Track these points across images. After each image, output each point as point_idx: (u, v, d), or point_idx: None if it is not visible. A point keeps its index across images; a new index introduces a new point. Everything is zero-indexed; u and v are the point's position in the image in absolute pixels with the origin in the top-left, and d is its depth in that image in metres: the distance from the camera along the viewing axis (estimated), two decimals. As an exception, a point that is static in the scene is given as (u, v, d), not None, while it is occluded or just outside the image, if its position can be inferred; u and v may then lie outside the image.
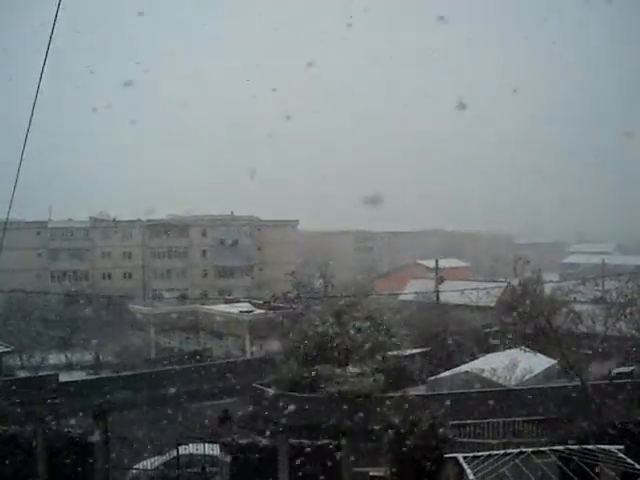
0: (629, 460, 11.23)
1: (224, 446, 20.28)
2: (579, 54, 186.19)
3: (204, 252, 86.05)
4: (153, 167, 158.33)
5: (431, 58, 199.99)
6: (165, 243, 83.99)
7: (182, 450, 21.58)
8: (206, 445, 21.35)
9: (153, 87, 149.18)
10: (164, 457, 22.20)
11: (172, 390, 35.77)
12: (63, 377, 39.04)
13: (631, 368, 26.84)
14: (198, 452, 21.50)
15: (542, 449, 12.51)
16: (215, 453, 20.84)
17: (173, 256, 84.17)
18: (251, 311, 51.14)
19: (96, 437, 21.45)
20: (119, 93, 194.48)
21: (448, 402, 24.93)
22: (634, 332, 26.00)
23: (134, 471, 22.30)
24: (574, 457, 11.61)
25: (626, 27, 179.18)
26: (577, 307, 29.82)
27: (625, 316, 26.17)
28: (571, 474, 11.53)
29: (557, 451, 12.23)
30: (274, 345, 35.31)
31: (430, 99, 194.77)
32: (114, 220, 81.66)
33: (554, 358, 29.16)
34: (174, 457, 21.61)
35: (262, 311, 49.68)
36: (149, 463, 22.19)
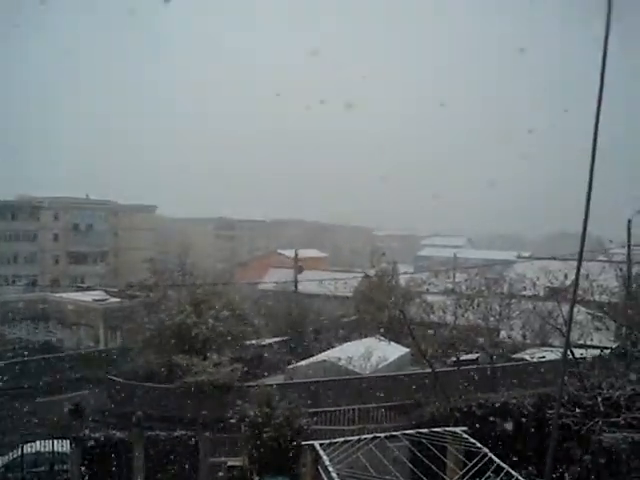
0: (472, 440, 11.92)
1: (75, 441, 19.43)
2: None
3: (56, 236, 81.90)
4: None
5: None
6: (12, 226, 78.53)
7: (27, 449, 20.43)
8: (55, 442, 20.37)
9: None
10: (5, 457, 20.92)
11: (18, 384, 33.73)
12: None
13: (476, 355, 28.61)
14: (46, 449, 20.48)
15: (394, 433, 12.97)
16: (65, 449, 19.95)
17: (21, 239, 78.88)
18: (105, 299, 49.38)
19: None
20: None
21: (305, 390, 25.46)
22: (480, 322, 27.65)
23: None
24: (423, 440, 12.15)
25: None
26: (429, 298, 31.37)
27: (473, 307, 27.76)
28: (421, 456, 12.08)
29: (408, 435, 12.75)
30: (130, 335, 34.17)
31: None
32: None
33: (407, 346, 30.43)
34: (18, 457, 20.40)
35: (117, 299, 48.06)
36: (-12, 464, 20.83)
